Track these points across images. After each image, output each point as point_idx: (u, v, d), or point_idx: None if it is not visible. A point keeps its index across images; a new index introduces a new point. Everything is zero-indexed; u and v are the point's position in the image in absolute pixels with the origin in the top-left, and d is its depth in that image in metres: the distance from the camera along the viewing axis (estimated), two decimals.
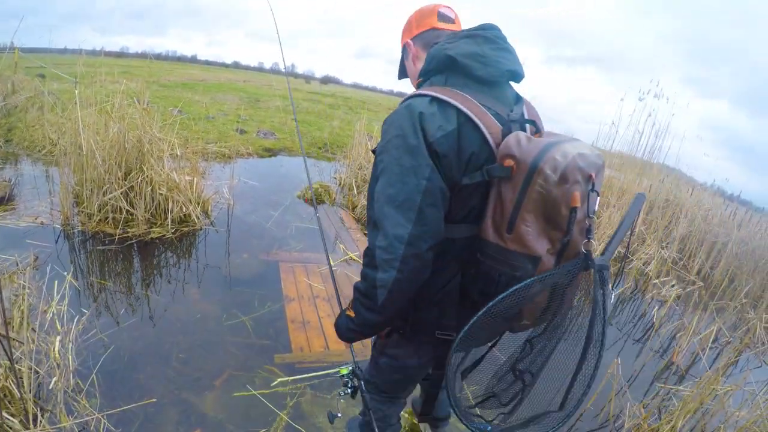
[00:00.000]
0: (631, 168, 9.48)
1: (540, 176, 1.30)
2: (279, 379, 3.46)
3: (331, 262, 5.57)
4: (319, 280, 5.14)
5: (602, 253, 1.43)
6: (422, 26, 1.82)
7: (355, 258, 5.88)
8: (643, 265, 7.45)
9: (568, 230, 1.35)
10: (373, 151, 1.64)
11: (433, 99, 1.47)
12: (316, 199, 8.17)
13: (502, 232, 1.41)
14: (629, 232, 1.53)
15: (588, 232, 1.38)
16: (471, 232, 1.55)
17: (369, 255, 1.54)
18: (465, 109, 1.44)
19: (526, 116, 1.62)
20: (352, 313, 1.72)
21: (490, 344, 1.87)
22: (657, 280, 6.94)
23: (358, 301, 1.66)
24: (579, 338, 1.48)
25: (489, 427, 1.68)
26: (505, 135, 1.45)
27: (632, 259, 7.53)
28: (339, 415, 2.35)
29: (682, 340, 5.02)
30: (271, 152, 11.83)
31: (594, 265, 1.37)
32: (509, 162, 1.36)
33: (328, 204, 8.16)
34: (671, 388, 4.19)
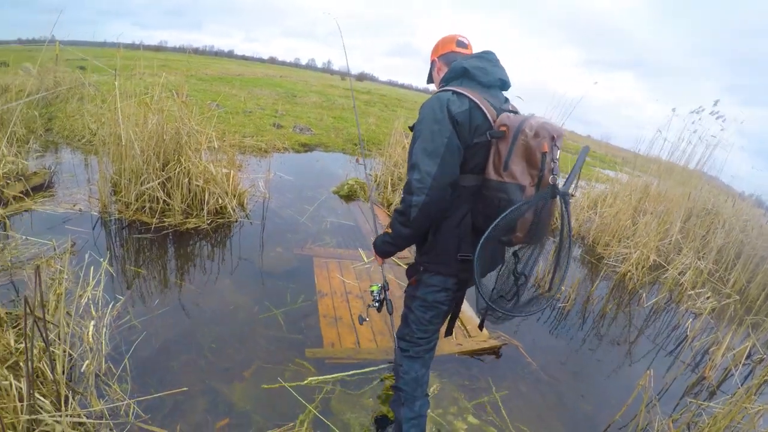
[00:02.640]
0: (669, 174, 9.23)
1: (522, 134, 2.11)
2: (310, 377, 3.43)
3: (365, 259, 5.56)
4: (352, 277, 5.10)
5: (563, 185, 2.13)
6: (445, 49, 2.70)
7: (393, 259, 5.81)
8: (679, 274, 7.26)
9: (542, 168, 2.10)
10: (411, 128, 2.44)
11: (454, 92, 2.29)
12: (351, 195, 8.27)
13: (500, 171, 2.19)
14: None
15: (553, 171, 2.11)
16: (476, 181, 2.32)
17: (407, 186, 2.29)
18: (474, 99, 2.26)
19: (512, 110, 2.46)
20: (389, 230, 2.52)
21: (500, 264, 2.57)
22: (692, 291, 6.75)
23: (395, 220, 2.43)
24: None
25: (509, 308, 2.40)
26: (498, 115, 2.29)
27: (668, 268, 7.35)
28: (366, 319, 3.31)
29: (715, 354, 4.82)
30: (307, 147, 11.88)
31: (559, 192, 2.11)
32: (503, 128, 2.18)
33: (362, 200, 8.17)
34: (701, 404, 4.05)
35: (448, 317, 2.89)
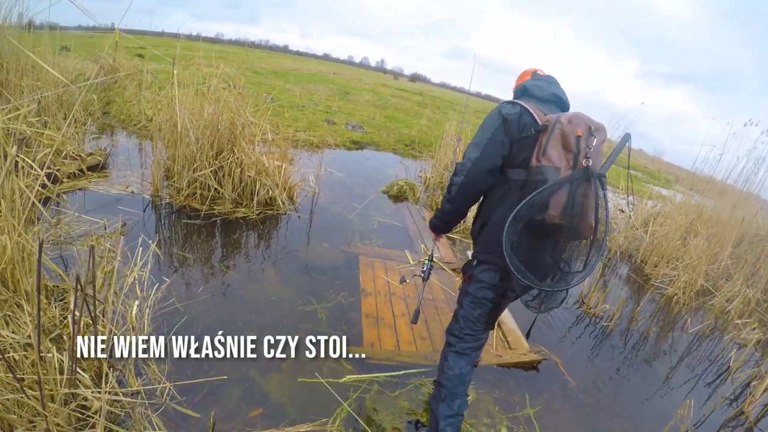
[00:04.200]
0: (723, 196, 8.92)
1: (559, 123, 2.34)
2: (347, 375, 3.40)
3: (411, 261, 5.51)
4: (397, 278, 5.04)
5: (600, 169, 2.31)
6: (523, 79, 3.01)
7: (435, 261, 5.74)
8: (726, 302, 7.00)
9: (577, 151, 2.29)
10: None
11: (510, 101, 2.66)
12: (400, 196, 8.23)
13: (539, 157, 2.39)
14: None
15: (587, 156, 2.28)
16: (522, 176, 2.54)
17: (455, 170, 2.73)
18: (525, 105, 2.57)
19: None
20: (439, 205, 2.96)
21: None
22: (739, 321, 6.48)
23: (444, 197, 2.87)
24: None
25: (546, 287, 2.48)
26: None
27: (715, 295, 7.11)
28: (408, 280, 3.87)
29: (757, 389, 4.59)
30: (358, 145, 11.93)
31: (593, 175, 2.26)
32: (546, 122, 2.42)
33: (411, 202, 8.13)
34: None
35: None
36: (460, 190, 2.71)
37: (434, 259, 5.58)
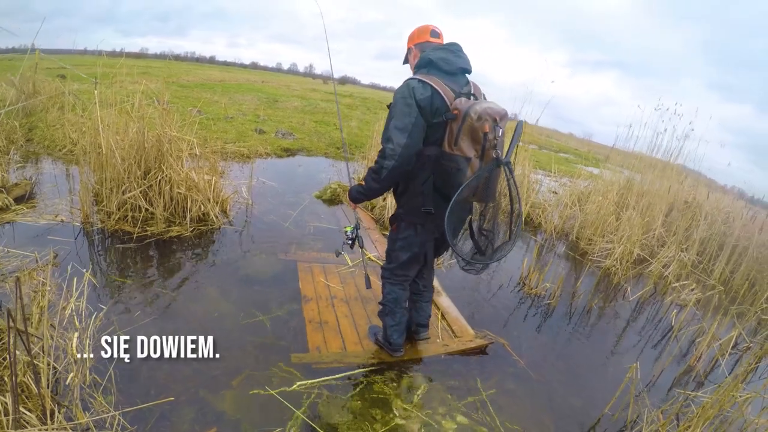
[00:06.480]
0: (650, 169, 9.27)
1: (469, 117, 2.73)
2: (297, 383, 3.42)
3: (349, 263, 5.57)
4: (337, 281, 5.10)
5: (505, 157, 2.81)
6: (420, 39, 3.28)
7: (373, 258, 5.85)
8: (663, 267, 7.31)
9: (484, 143, 2.77)
10: (388, 106, 3.03)
11: (419, 80, 2.92)
12: (334, 199, 8.28)
13: (452, 146, 2.84)
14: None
15: (495, 147, 2.77)
16: (437, 151, 2.96)
17: (382, 152, 2.98)
18: (435, 86, 2.88)
19: (471, 92, 3.03)
20: (362, 183, 3.27)
21: (466, 226, 3.28)
22: (677, 284, 6.79)
23: (369, 176, 3.16)
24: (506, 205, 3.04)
25: (484, 259, 3.15)
26: (456, 98, 2.90)
27: (651, 262, 7.40)
28: (343, 252, 4.40)
29: (702, 345, 4.88)
30: (289, 152, 11.88)
31: (503, 162, 2.78)
32: (456, 111, 2.81)
33: (346, 204, 8.12)
34: (690, 394, 4.06)
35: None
36: (391, 173, 3.01)
37: (371, 257, 5.66)
